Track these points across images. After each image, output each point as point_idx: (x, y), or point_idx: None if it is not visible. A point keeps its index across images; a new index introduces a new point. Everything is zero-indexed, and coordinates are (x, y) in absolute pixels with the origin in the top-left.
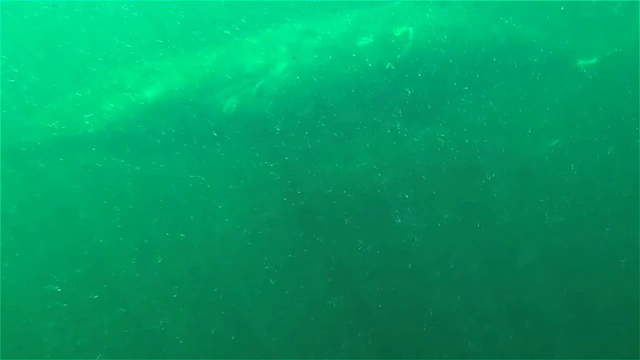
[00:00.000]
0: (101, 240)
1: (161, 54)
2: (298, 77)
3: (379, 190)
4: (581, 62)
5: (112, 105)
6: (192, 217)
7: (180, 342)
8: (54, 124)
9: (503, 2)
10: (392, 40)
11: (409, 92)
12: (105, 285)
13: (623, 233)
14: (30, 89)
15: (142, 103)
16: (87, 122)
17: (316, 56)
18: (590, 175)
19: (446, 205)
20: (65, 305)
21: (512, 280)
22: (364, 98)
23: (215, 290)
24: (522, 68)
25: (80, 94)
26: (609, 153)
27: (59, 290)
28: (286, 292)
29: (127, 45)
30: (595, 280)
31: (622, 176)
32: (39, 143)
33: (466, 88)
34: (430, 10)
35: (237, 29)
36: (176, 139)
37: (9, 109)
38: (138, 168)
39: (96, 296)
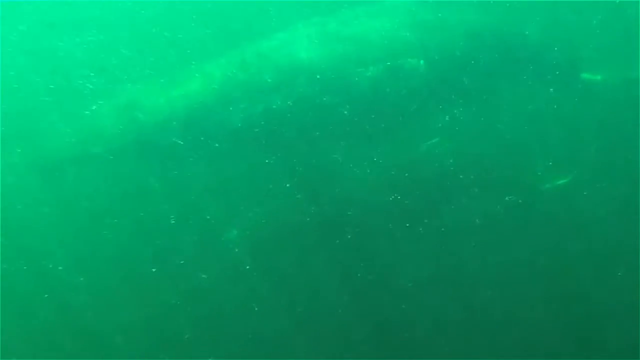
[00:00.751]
0: (176, 218)
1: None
2: (360, 67)
3: (440, 174)
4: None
5: (178, 96)
6: (262, 196)
7: (254, 312)
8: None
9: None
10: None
11: (466, 81)
12: (182, 262)
13: None
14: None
15: (212, 88)
16: (163, 105)
17: (376, 47)
18: None
19: (506, 188)
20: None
21: (561, 269)
22: (422, 86)
23: (283, 267)
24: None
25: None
26: None
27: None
28: (353, 271)
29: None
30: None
31: None
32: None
33: (525, 77)
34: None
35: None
36: (244, 125)
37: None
38: (217, 145)
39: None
